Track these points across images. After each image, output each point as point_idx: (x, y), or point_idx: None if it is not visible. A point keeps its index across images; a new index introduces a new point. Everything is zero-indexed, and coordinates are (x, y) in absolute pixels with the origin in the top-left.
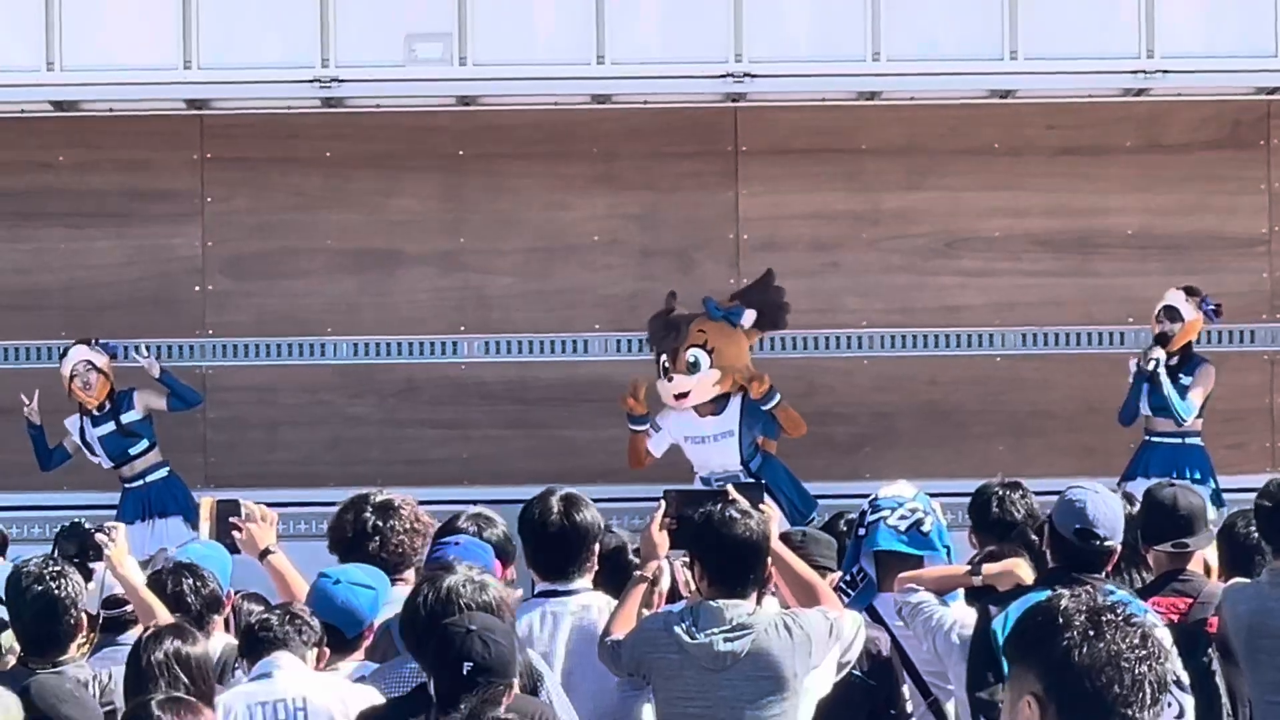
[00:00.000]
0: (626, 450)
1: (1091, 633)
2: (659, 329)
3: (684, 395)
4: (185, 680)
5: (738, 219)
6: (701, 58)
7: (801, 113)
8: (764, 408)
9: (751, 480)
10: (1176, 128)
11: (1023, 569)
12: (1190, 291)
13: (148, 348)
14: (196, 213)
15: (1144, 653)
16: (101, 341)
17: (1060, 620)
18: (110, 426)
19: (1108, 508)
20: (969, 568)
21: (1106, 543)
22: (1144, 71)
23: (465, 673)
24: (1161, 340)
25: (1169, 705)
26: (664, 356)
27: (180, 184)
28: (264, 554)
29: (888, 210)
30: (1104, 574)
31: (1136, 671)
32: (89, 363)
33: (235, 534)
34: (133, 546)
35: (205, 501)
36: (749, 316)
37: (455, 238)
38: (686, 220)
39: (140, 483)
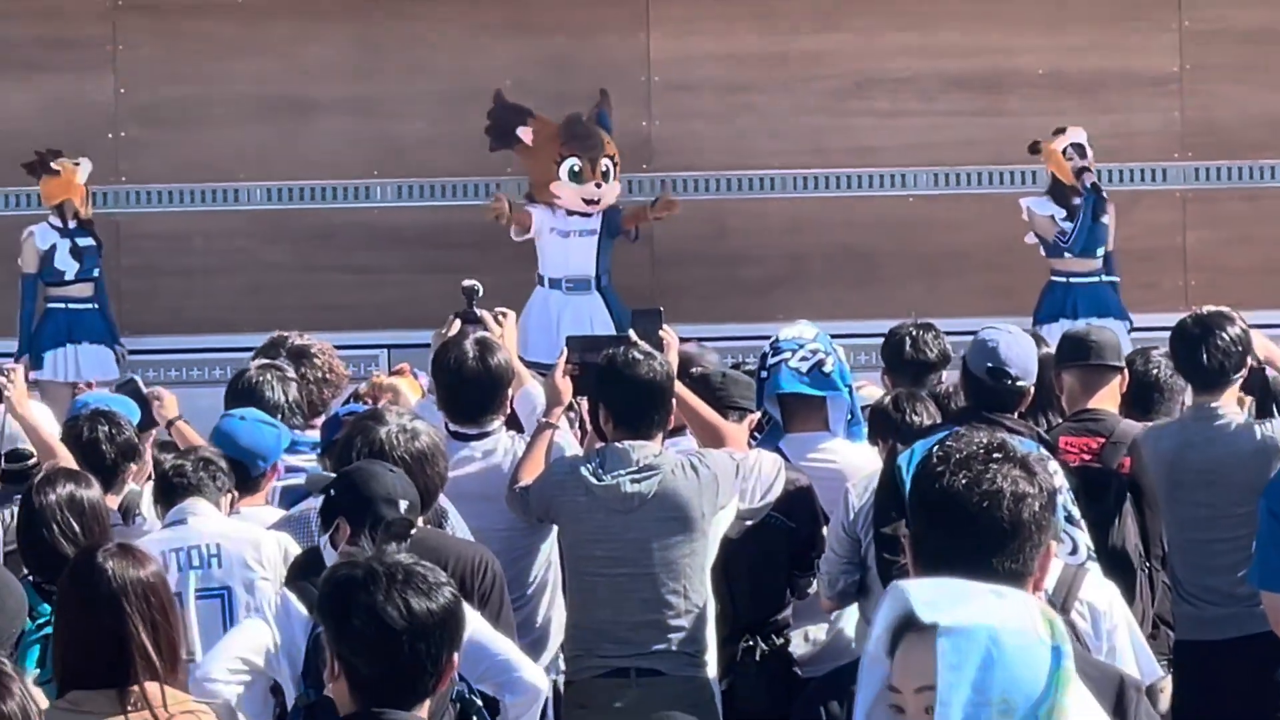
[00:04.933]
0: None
1: (940, 469)
2: (582, 134)
3: (595, 202)
4: (77, 526)
5: (649, 62)
6: None
7: None
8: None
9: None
10: None
11: None
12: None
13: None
14: (109, 60)
15: (991, 489)
16: None
17: (928, 459)
18: (92, 241)
19: (1021, 348)
20: None
21: (1019, 383)
22: None
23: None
24: (1084, 173)
25: (1061, 541)
26: (572, 161)
27: (92, 31)
28: (170, 423)
29: (799, 51)
30: (1015, 414)
31: (979, 507)
32: None
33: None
34: (59, 367)
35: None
36: None
37: (368, 83)
38: (598, 64)
39: (87, 305)
